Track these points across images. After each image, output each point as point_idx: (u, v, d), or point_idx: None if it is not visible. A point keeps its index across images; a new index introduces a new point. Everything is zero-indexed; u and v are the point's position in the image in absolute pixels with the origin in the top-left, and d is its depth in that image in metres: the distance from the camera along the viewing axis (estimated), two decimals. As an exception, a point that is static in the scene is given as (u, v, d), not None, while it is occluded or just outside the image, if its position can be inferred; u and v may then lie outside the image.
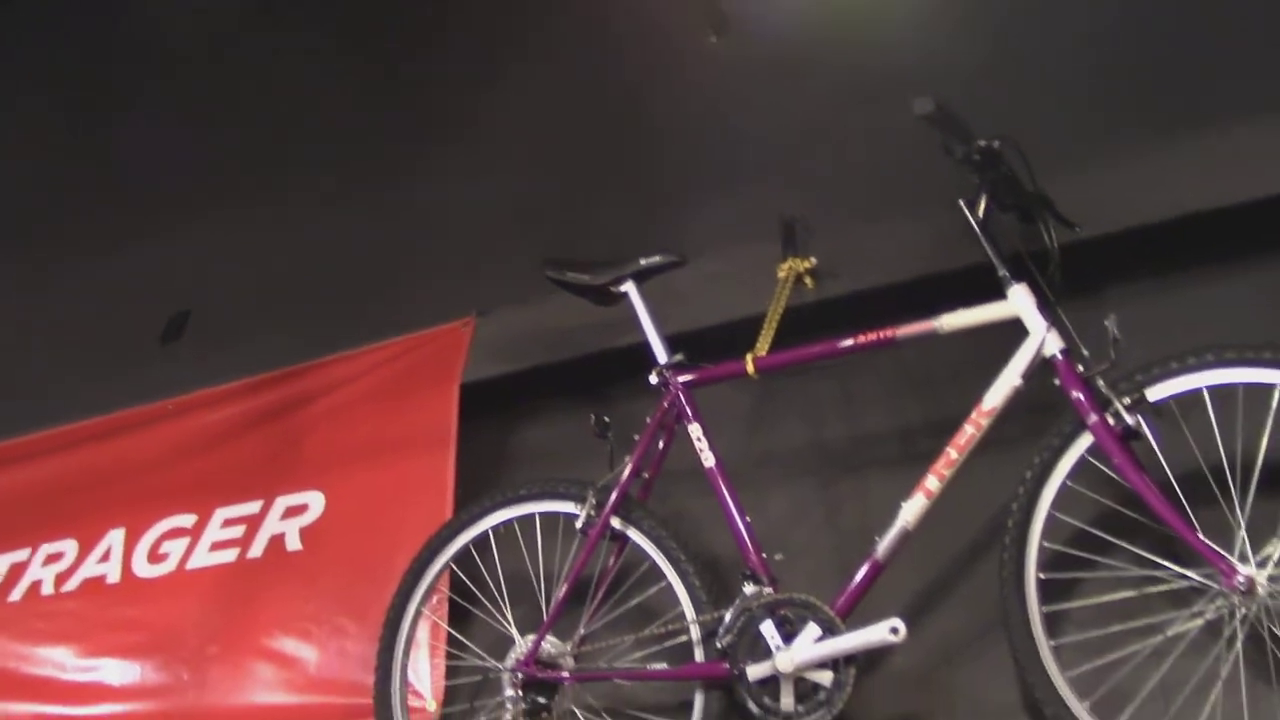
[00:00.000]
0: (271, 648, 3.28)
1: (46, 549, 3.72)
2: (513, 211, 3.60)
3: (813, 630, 2.41)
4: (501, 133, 3.77)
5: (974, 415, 2.40)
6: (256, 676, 3.27)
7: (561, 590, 2.70)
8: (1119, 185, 2.71)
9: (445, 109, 3.91)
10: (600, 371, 3.16)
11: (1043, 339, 2.36)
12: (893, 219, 2.91)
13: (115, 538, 3.63)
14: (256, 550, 3.41)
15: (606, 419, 2.76)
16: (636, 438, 2.72)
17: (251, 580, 3.39)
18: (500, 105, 3.81)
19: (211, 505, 3.54)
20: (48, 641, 3.57)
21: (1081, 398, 2.29)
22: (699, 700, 2.55)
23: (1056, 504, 2.33)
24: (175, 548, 3.54)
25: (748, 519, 2.58)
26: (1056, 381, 2.34)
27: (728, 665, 2.46)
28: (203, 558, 3.48)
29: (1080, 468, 2.32)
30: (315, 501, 3.41)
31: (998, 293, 2.43)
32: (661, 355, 2.75)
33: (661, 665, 2.66)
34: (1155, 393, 2.27)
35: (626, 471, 2.70)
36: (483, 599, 2.87)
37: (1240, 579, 2.12)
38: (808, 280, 2.89)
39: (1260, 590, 2.13)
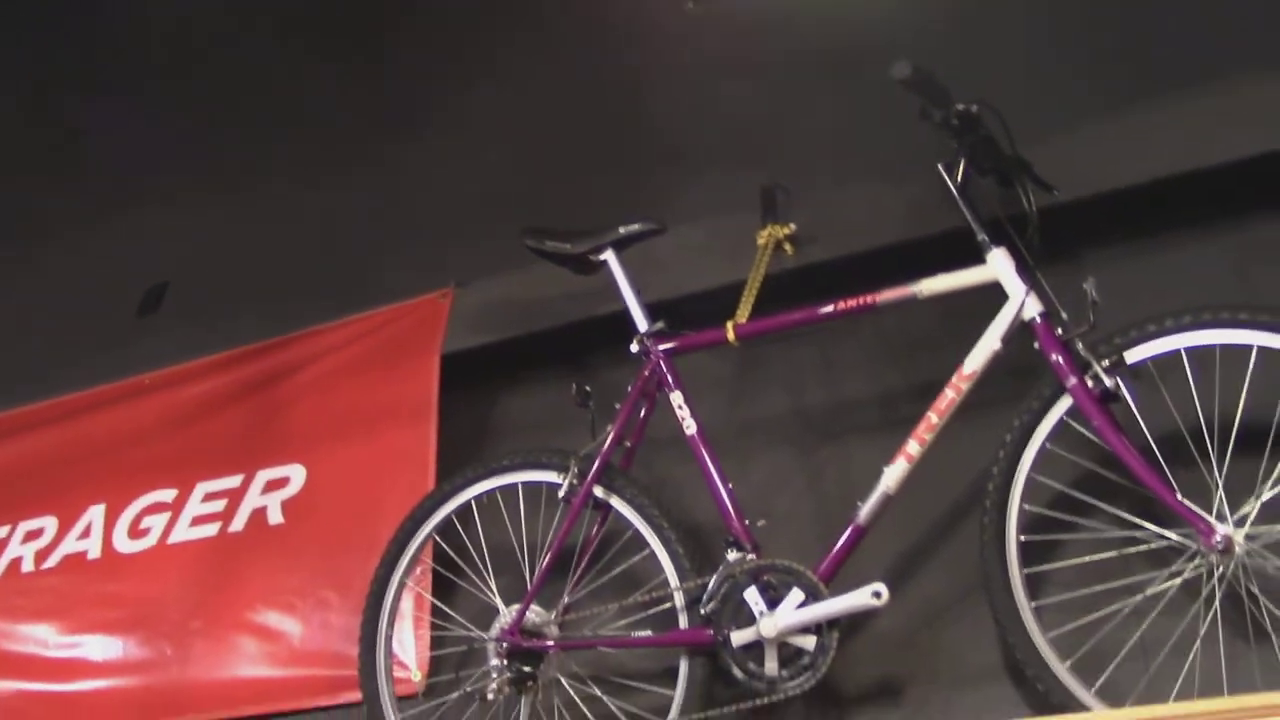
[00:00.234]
0: (255, 621, 3.28)
1: (25, 526, 3.71)
2: (491, 182, 3.58)
3: (796, 595, 2.42)
4: (479, 104, 3.75)
5: (954, 379, 2.41)
6: (240, 650, 3.27)
7: (545, 560, 2.70)
8: (1097, 149, 2.71)
9: (422, 81, 3.88)
10: (581, 340, 3.16)
11: (1022, 302, 2.37)
12: (872, 185, 2.91)
13: (95, 514, 3.62)
14: (238, 524, 3.41)
15: (588, 388, 2.76)
16: (618, 406, 2.72)
17: (234, 554, 3.38)
18: (477, 76, 3.78)
19: (192, 480, 3.53)
20: (29, 619, 3.56)
21: (1060, 361, 2.30)
22: (683, 666, 2.56)
23: (1036, 467, 2.34)
24: (156, 523, 3.53)
25: (730, 486, 2.59)
26: (1036, 345, 2.35)
27: (712, 632, 2.48)
28: (184, 532, 3.47)
29: (1060, 430, 2.34)
30: (296, 475, 3.40)
31: (977, 257, 2.43)
32: (642, 323, 2.74)
33: (646, 632, 2.67)
34: (1134, 355, 2.28)
35: (608, 440, 2.70)
36: (467, 570, 2.87)
37: (1218, 538, 2.14)
38: (787, 247, 2.89)
39: (1238, 549, 2.15)
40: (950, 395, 2.41)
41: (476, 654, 2.82)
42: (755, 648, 2.43)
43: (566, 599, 2.69)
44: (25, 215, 4.40)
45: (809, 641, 2.40)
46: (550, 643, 2.68)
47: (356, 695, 2.89)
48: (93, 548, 3.58)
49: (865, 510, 2.44)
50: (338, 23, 4.16)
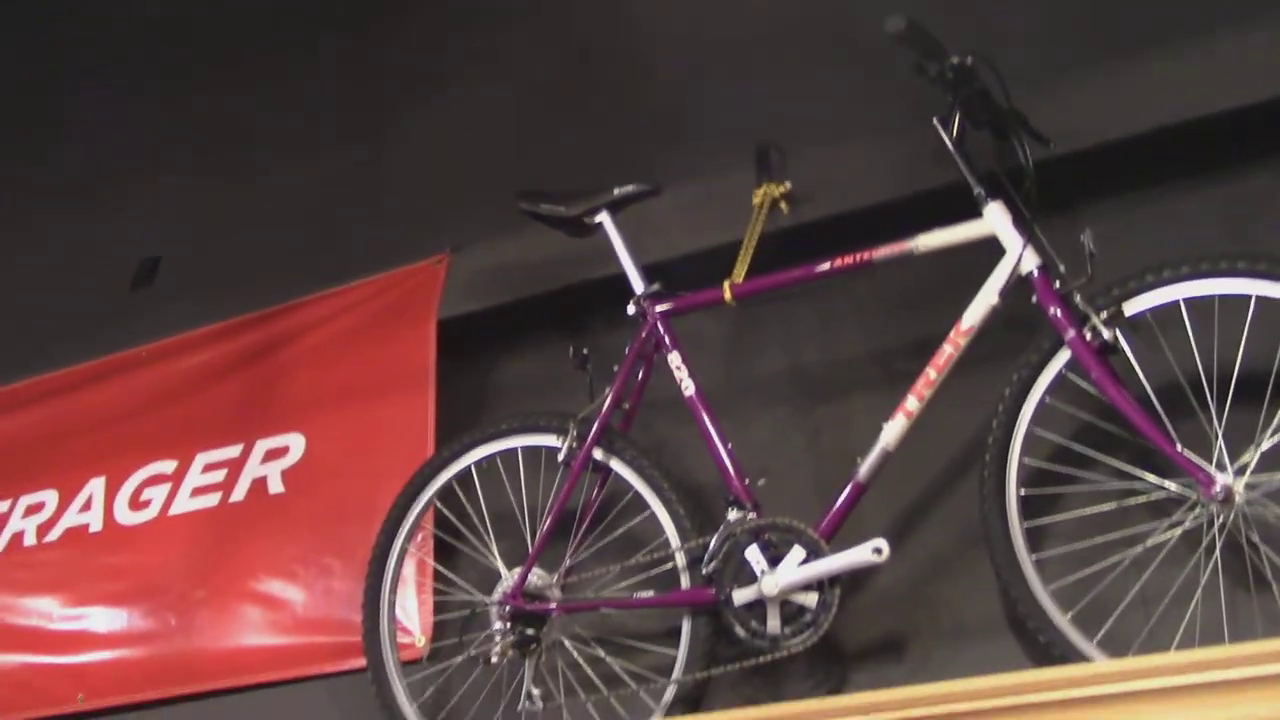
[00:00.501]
0: (258, 590, 3.29)
1: (26, 500, 3.71)
2: (484, 147, 3.56)
3: (797, 553, 2.43)
4: (470, 69, 3.72)
5: (952, 335, 2.40)
6: (244, 619, 3.28)
7: (546, 523, 2.71)
8: (1093, 100, 2.69)
9: (413, 47, 3.85)
10: (578, 304, 3.15)
11: (1019, 256, 2.36)
12: (867, 141, 2.89)
13: (96, 486, 3.62)
14: (239, 494, 3.41)
15: (585, 351, 2.75)
16: (616, 369, 2.71)
17: (235, 524, 3.39)
18: (469, 39, 3.75)
19: (191, 450, 3.53)
20: (33, 592, 3.57)
21: (1059, 313, 2.30)
22: (686, 626, 2.57)
23: (1036, 420, 2.34)
24: (157, 494, 3.53)
25: (729, 446, 2.59)
26: (1033, 298, 2.34)
27: (713, 591, 2.48)
28: (185, 503, 3.47)
29: (1059, 383, 2.33)
30: (296, 443, 3.40)
31: (974, 212, 2.42)
32: (638, 285, 2.74)
33: (648, 593, 2.68)
34: (1132, 306, 2.27)
35: (607, 403, 2.70)
36: (468, 535, 2.88)
37: (1218, 488, 2.14)
38: (783, 205, 2.87)
39: (1237, 498, 2.15)
40: (948, 351, 2.40)
41: (479, 618, 2.82)
42: (757, 606, 2.44)
43: (568, 562, 2.69)
44: (15, 190, 4.37)
45: (811, 599, 2.41)
46: (553, 605, 2.69)
47: (361, 661, 2.90)
48: (94, 520, 3.58)
49: (865, 467, 2.44)
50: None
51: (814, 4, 3.18)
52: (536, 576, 2.70)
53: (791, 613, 2.42)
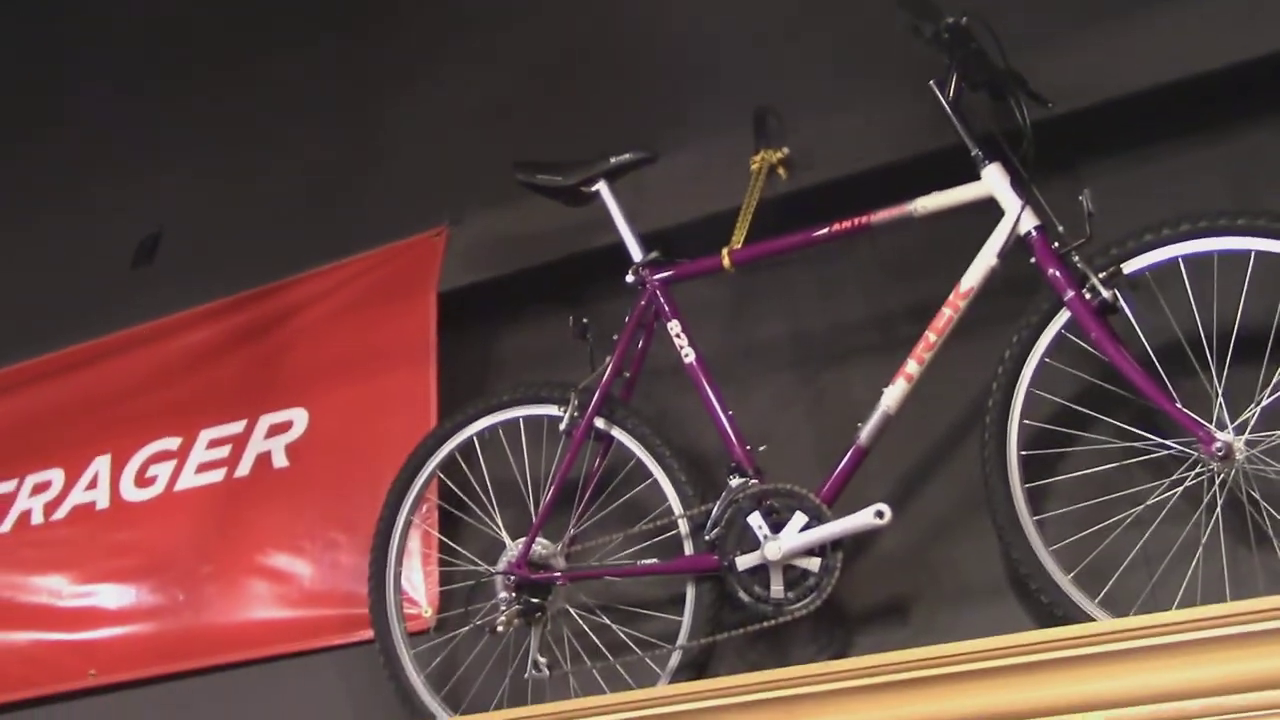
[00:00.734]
0: (265, 564, 3.30)
1: (33, 479, 3.72)
2: (481, 118, 3.55)
3: (799, 519, 2.43)
4: (467, 40, 3.70)
5: (952, 298, 2.40)
6: (252, 593, 3.29)
7: (549, 493, 2.72)
8: (1090, 58, 2.67)
9: (410, 20, 3.83)
10: (578, 274, 3.14)
11: (1017, 217, 2.35)
12: (865, 105, 2.88)
13: (101, 464, 3.63)
14: (244, 469, 3.42)
15: (585, 320, 2.75)
16: (616, 338, 2.71)
17: (241, 499, 3.40)
18: (465, 11, 3.73)
19: (195, 427, 3.54)
20: (41, 570, 3.59)
21: (1057, 274, 2.29)
22: (690, 592, 2.58)
23: (1036, 381, 2.34)
24: (162, 471, 3.54)
25: (730, 413, 2.59)
26: (1032, 259, 2.34)
27: (717, 557, 2.49)
28: (190, 479, 3.48)
29: (1058, 344, 2.33)
30: (299, 418, 3.41)
31: (972, 174, 2.42)
32: (637, 253, 2.73)
33: (652, 561, 2.69)
34: (1131, 265, 2.27)
35: (607, 372, 2.70)
36: (472, 505, 2.89)
37: (1218, 445, 2.14)
38: (781, 171, 2.86)
39: (1238, 455, 2.15)
40: (948, 314, 2.40)
41: (485, 588, 2.84)
42: (760, 571, 2.45)
43: (572, 531, 2.70)
44: (14, 171, 4.37)
45: (813, 563, 2.41)
46: (557, 574, 2.70)
47: (368, 633, 2.91)
48: (100, 498, 3.60)
49: (866, 431, 2.44)
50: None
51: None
52: (540, 546, 2.71)
53: (795, 578, 2.43)
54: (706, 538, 2.51)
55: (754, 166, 2.85)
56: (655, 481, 2.65)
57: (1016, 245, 2.36)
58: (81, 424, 3.74)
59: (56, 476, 3.70)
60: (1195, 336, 2.30)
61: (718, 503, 2.51)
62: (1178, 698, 1.86)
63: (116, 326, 3.81)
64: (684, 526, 2.60)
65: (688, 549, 2.60)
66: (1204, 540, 2.22)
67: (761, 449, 2.58)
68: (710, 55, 3.24)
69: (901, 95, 2.66)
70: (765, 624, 2.44)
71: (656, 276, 2.71)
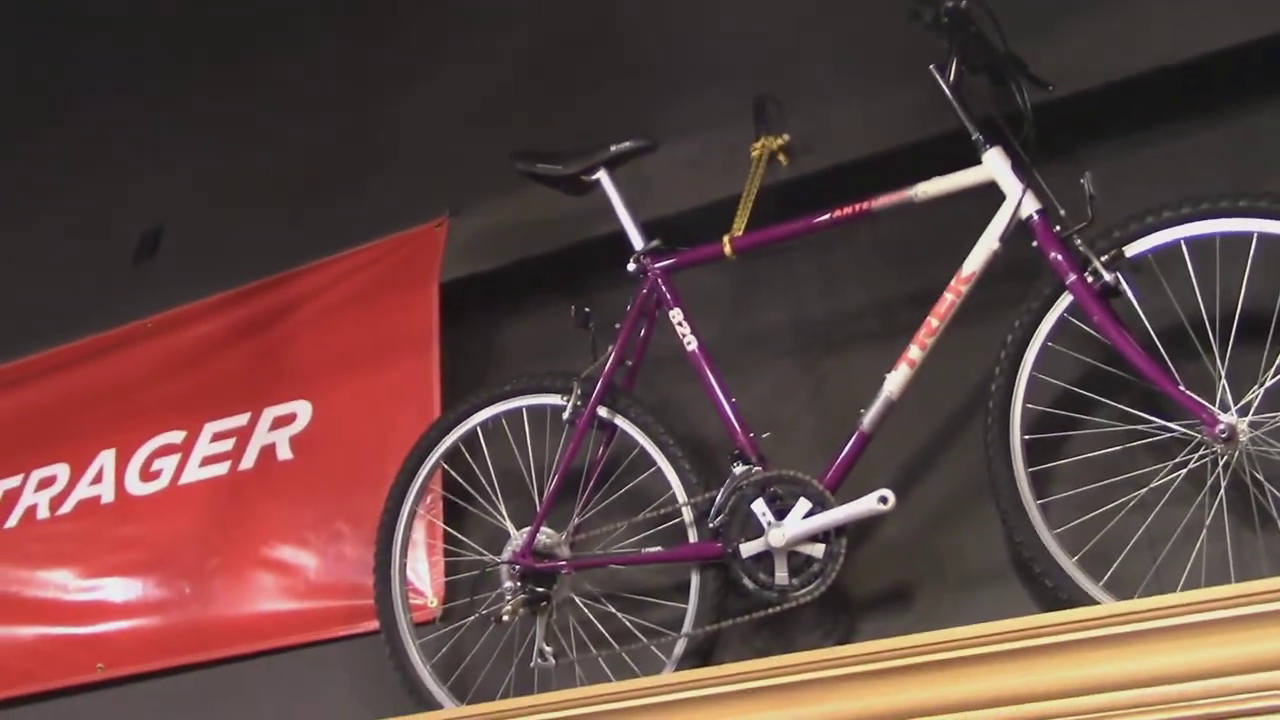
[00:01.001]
0: (271, 557, 3.31)
1: (38, 474, 3.73)
2: (481, 108, 3.54)
3: (803, 505, 2.43)
4: (466, 31, 3.69)
5: (954, 282, 2.40)
6: (258, 586, 3.30)
7: (553, 482, 2.71)
8: (1093, 41, 2.67)
9: (409, 11, 3.83)
10: (579, 263, 3.14)
11: (1019, 201, 2.35)
12: (866, 91, 2.88)
13: (106, 458, 3.63)
14: (248, 462, 3.42)
15: (587, 309, 2.75)
16: (618, 326, 2.71)
17: (246, 492, 3.40)
18: (463, 2, 3.72)
19: (200, 420, 3.54)
20: (48, 565, 3.59)
21: (1060, 258, 2.29)
22: (695, 580, 2.58)
23: (1039, 365, 2.34)
24: (167, 464, 3.54)
25: (733, 400, 2.59)
26: (1034, 243, 2.33)
27: (721, 544, 2.49)
28: (195, 472, 3.49)
29: (1061, 328, 2.33)
30: (303, 410, 3.41)
31: (974, 159, 2.41)
32: (638, 242, 2.73)
33: (656, 549, 2.69)
34: (1133, 248, 2.26)
35: (610, 361, 2.70)
36: (476, 496, 2.89)
37: (1222, 427, 2.14)
38: (781, 158, 2.86)
39: (1241, 437, 2.15)
40: (950, 298, 2.40)
41: (490, 578, 2.84)
42: (765, 558, 2.45)
43: (576, 519, 2.71)
44: (16, 168, 4.37)
45: (818, 549, 2.41)
46: (562, 563, 2.70)
47: (374, 624, 2.92)
48: (106, 492, 3.60)
49: (869, 417, 2.44)
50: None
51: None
52: (545, 535, 2.71)
53: (799, 564, 2.43)
54: (710, 525, 2.51)
55: (754, 153, 2.85)
56: (659, 470, 2.65)
57: (1018, 229, 2.36)
58: (86, 419, 3.74)
59: (62, 471, 3.70)
60: (1198, 319, 2.29)
61: (721, 490, 2.51)
62: (1182, 679, 1.86)
63: (119, 322, 3.82)
64: (688, 514, 2.60)
65: (692, 537, 2.60)
66: (1208, 522, 2.22)
67: (765, 436, 2.58)
68: (709, 43, 3.23)
69: (902, 80, 2.66)
70: (770, 611, 2.44)
71: (658, 265, 2.71)
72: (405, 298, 3.34)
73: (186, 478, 3.49)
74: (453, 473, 2.93)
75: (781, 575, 2.43)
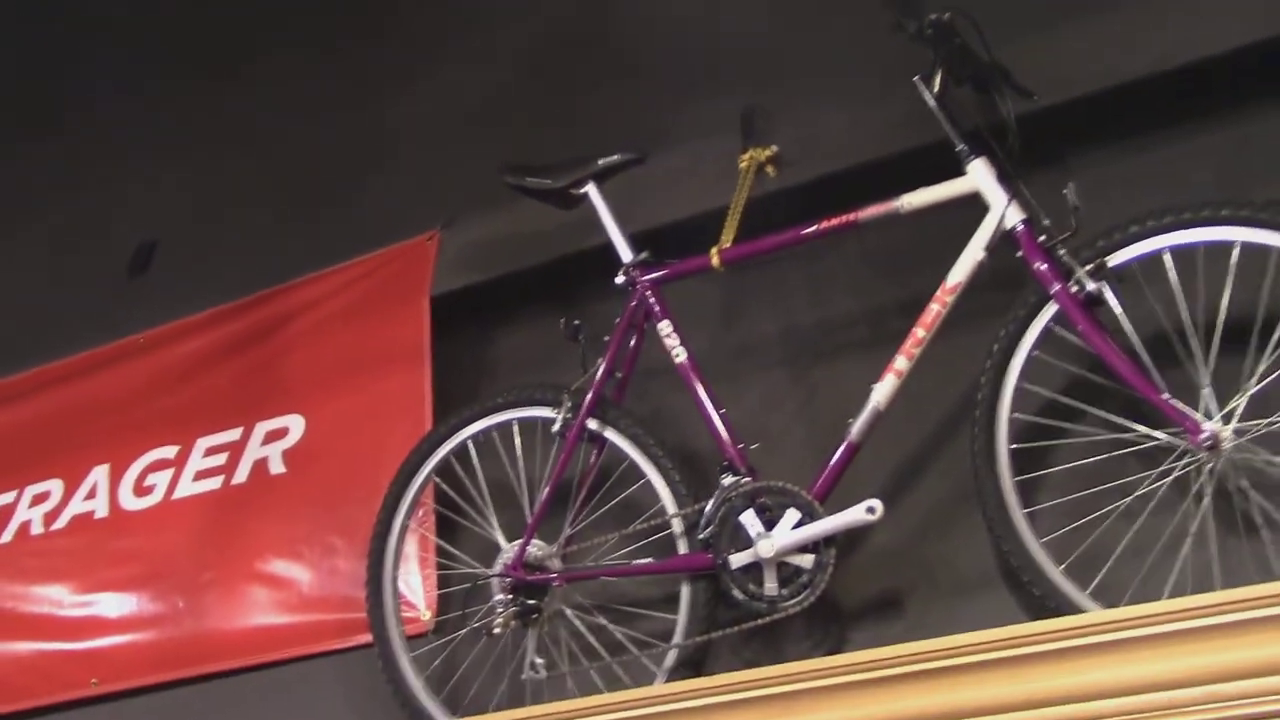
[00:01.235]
0: (264, 571, 3.32)
1: (32, 490, 3.74)
2: (470, 121, 3.55)
3: (792, 515, 2.44)
4: (456, 43, 3.71)
5: (939, 293, 2.41)
6: (251, 600, 3.31)
7: (544, 494, 2.72)
8: (1077, 49, 2.68)
9: (400, 24, 3.84)
10: (569, 275, 3.15)
11: (1003, 211, 2.36)
12: (852, 102, 2.88)
13: (100, 474, 3.64)
14: (241, 476, 3.43)
15: (577, 322, 2.76)
16: (607, 339, 2.72)
17: (239, 506, 3.41)
18: (453, 15, 3.73)
19: (192, 435, 3.55)
20: (42, 580, 3.60)
21: (1044, 268, 2.30)
22: (685, 591, 2.59)
23: (1025, 375, 2.35)
24: (160, 479, 3.55)
25: (722, 411, 2.60)
26: (1019, 254, 2.34)
27: (711, 555, 2.50)
28: (188, 487, 3.50)
29: (1046, 337, 2.34)
30: (295, 425, 3.42)
31: (958, 170, 2.42)
32: (626, 254, 2.74)
33: (647, 560, 2.70)
34: (1117, 258, 2.28)
35: (599, 373, 2.70)
36: (468, 509, 2.90)
37: (1206, 435, 2.16)
38: (770, 169, 2.88)
39: (1225, 445, 2.16)
40: (936, 309, 2.41)
41: (482, 590, 2.85)
42: (754, 569, 2.45)
43: (567, 531, 2.71)
44: (9, 181, 4.38)
45: (807, 560, 2.42)
46: (553, 575, 2.71)
47: (367, 637, 2.92)
48: (100, 507, 3.61)
49: (857, 428, 2.45)
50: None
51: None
52: (536, 547, 2.72)
53: (788, 574, 2.44)
54: (700, 536, 2.52)
55: (742, 165, 2.87)
56: (649, 481, 2.66)
57: (1003, 239, 2.37)
58: (79, 434, 3.75)
59: (55, 487, 3.71)
60: (1181, 327, 2.30)
61: (711, 501, 2.52)
62: (1170, 687, 1.87)
63: (112, 336, 3.82)
64: (678, 526, 2.61)
65: (682, 548, 2.61)
66: (1194, 530, 2.22)
67: (753, 447, 2.59)
68: (697, 55, 3.24)
69: (889, 91, 2.67)
70: (760, 621, 2.44)
71: (646, 277, 2.72)
72: (397, 311, 3.35)
73: (180, 492, 3.50)
74: (444, 486, 2.94)
75: (771, 586, 2.44)
